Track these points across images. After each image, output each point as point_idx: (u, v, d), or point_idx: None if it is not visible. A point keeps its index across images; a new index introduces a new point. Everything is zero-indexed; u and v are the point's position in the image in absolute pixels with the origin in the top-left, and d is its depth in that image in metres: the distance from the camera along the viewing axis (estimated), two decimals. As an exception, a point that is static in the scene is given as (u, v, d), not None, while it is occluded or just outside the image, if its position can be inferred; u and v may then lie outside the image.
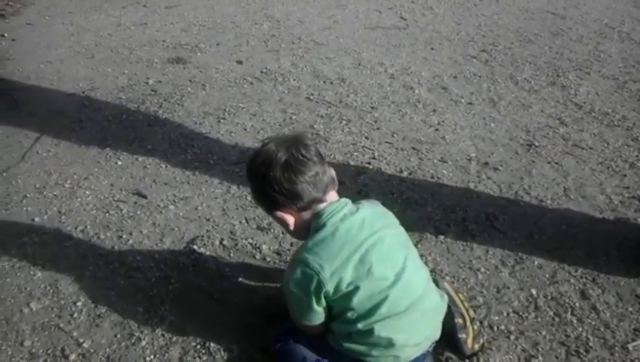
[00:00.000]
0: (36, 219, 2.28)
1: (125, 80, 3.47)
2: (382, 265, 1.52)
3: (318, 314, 1.55)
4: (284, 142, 1.54)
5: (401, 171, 2.61)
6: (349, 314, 1.52)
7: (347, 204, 1.59)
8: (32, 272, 2.02)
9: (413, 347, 1.58)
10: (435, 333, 1.65)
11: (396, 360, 1.57)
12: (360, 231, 1.53)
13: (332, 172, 1.60)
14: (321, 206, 1.56)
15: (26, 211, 2.33)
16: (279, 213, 1.57)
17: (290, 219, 1.57)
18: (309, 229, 1.57)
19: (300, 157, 1.51)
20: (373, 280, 1.50)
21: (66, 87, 3.37)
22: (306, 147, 1.53)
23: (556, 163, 2.73)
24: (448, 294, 1.78)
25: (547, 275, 2.06)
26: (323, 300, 1.51)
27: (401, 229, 1.67)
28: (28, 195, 2.43)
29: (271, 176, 1.50)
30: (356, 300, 1.50)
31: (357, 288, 1.49)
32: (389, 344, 1.53)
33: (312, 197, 1.53)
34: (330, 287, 1.48)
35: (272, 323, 1.78)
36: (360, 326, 1.52)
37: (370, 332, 1.52)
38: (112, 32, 4.16)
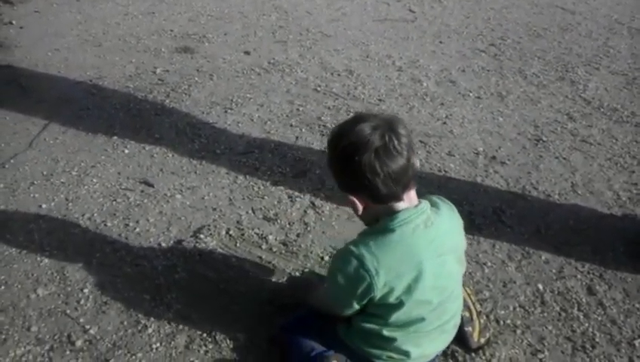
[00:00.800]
0: (43, 206, 2.29)
1: (133, 69, 3.46)
2: (432, 291, 1.48)
3: (352, 310, 1.51)
4: (378, 127, 1.38)
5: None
6: (380, 321, 1.50)
7: (424, 213, 1.47)
8: (39, 259, 2.03)
9: (424, 358, 1.59)
10: (447, 343, 1.65)
11: None
12: (425, 250, 1.45)
13: (417, 165, 1.45)
14: (398, 205, 1.44)
15: (34, 198, 2.33)
16: (351, 197, 1.47)
17: (360, 205, 1.47)
18: (377, 220, 1.48)
19: (392, 148, 1.37)
20: (418, 302, 1.46)
21: (73, 75, 3.36)
22: (398, 137, 1.38)
23: (564, 158, 2.72)
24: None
25: (554, 270, 2.06)
26: (364, 301, 1.46)
27: (463, 247, 1.61)
28: (35, 182, 2.43)
29: (356, 161, 1.37)
30: (395, 314, 1.47)
31: (401, 304, 1.45)
32: (405, 355, 1.54)
33: (390, 193, 1.41)
34: (378, 295, 1.43)
35: (279, 313, 1.78)
36: (385, 332, 1.50)
37: (391, 341, 1.51)
38: (120, 21, 4.15)
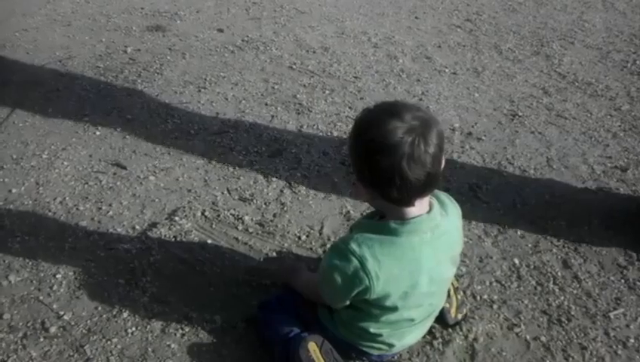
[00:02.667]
0: (13, 191, 2.23)
1: (103, 48, 3.39)
2: (425, 296, 1.47)
3: (342, 304, 1.49)
4: (412, 129, 1.26)
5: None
6: (369, 318, 1.49)
7: (432, 220, 1.40)
8: (9, 245, 1.98)
9: (404, 345, 1.61)
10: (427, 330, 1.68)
11: (385, 352, 1.58)
12: (428, 260, 1.41)
13: (439, 176, 1.34)
14: (409, 211, 1.37)
15: (3, 182, 2.28)
16: (361, 187, 1.38)
17: (368, 197, 1.40)
18: (383, 215, 1.44)
19: (416, 157, 1.26)
20: (410, 306, 1.46)
21: (42, 56, 3.28)
22: (428, 146, 1.27)
23: (539, 133, 2.72)
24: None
25: (530, 245, 2.07)
26: (356, 299, 1.44)
27: (460, 249, 1.56)
28: (5, 166, 2.38)
29: (376, 159, 1.28)
30: (386, 315, 1.47)
31: (395, 308, 1.44)
32: (388, 346, 1.56)
33: (402, 199, 1.34)
34: (373, 297, 1.40)
35: (255, 294, 1.77)
36: (372, 329, 1.51)
37: (377, 336, 1.52)
38: (89, -1, 4.06)
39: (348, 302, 1.46)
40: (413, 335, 1.59)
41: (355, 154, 1.37)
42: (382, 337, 1.52)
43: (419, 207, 1.38)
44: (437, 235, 1.41)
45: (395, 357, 1.63)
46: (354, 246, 1.37)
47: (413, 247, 1.38)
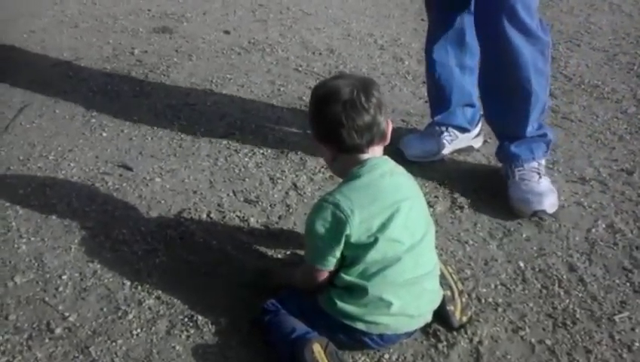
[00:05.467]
0: (20, 192, 2.25)
1: (110, 50, 3.40)
2: (403, 230, 1.57)
3: (334, 259, 1.57)
4: (351, 83, 1.56)
5: (391, 143, 2.58)
6: (357, 267, 1.55)
7: (388, 162, 1.64)
8: (16, 245, 2.00)
9: (406, 318, 1.60)
10: (429, 315, 1.67)
11: (386, 328, 1.58)
12: (394, 193, 1.59)
13: (386, 127, 1.61)
14: (363, 156, 1.60)
15: (10, 183, 2.30)
16: (321, 145, 1.64)
17: (329, 154, 1.64)
18: (346, 173, 1.62)
19: (359, 103, 1.53)
20: (390, 241, 1.54)
21: (49, 58, 3.30)
22: (367, 95, 1.55)
23: (545, 135, 2.71)
24: (437, 267, 1.78)
25: (535, 248, 2.06)
26: (342, 245, 1.54)
27: (425, 204, 1.73)
28: (11, 167, 2.39)
29: (325, 110, 1.56)
30: (370, 252, 1.53)
31: (375, 240, 1.53)
32: (385, 306, 1.55)
33: (353, 144, 1.56)
34: (354, 233, 1.52)
35: (261, 296, 1.76)
36: (361, 282, 1.55)
37: (369, 290, 1.54)
38: (96, 1, 4.07)
39: (337, 255, 1.55)
40: (409, 299, 1.58)
41: (310, 114, 1.64)
42: (375, 291, 1.54)
43: (371, 154, 1.61)
44: (396, 175, 1.64)
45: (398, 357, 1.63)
46: (326, 196, 1.58)
47: (375, 181, 1.58)
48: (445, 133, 2.47)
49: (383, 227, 1.54)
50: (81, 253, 1.98)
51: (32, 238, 2.03)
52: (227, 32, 3.68)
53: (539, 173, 2.24)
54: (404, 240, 1.57)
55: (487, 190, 2.34)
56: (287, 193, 2.29)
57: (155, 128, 2.68)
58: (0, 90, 2.95)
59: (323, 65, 3.29)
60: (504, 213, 2.21)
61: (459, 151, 2.54)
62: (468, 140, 2.50)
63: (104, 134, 2.63)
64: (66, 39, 3.52)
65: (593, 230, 2.15)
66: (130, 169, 2.39)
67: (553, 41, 3.68)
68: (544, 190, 2.18)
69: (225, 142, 2.59)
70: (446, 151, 2.49)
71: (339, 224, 1.52)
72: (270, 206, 2.22)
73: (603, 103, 3.02)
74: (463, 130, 2.46)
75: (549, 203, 2.16)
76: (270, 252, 2.00)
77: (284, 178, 2.37)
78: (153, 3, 4.07)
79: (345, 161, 1.62)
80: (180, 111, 2.83)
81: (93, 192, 2.26)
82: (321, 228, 1.55)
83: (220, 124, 2.72)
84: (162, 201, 2.22)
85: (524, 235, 2.11)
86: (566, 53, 3.55)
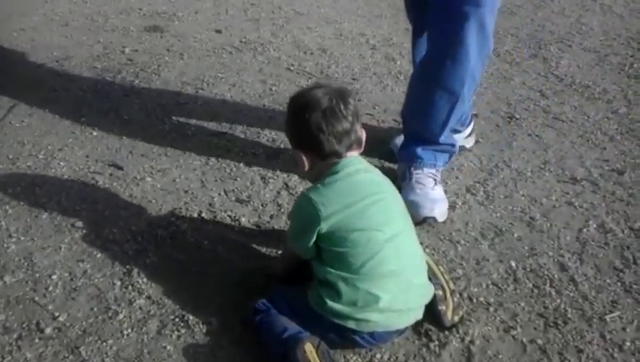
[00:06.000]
0: (9, 191, 2.23)
1: (100, 49, 3.39)
2: (381, 219, 1.62)
3: (308, 247, 1.64)
4: (329, 92, 1.64)
5: (382, 143, 2.58)
6: (341, 260, 1.58)
7: (362, 161, 1.71)
8: (5, 245, 1.98)
9: (395, 313, 1.60)
10: (419, 311, 1.67)
11: (376, 325, 1.58)
12: (368, 187, 1.66)
13: (361, 134, 1.69)
14: (339, 160, 1.67)
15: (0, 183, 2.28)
16: (299, 153, 1.69)
17: (307, 161, 1.69)
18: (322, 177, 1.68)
19: (337, 111, 1.61)
20: (370, 229, 1.59)
21: (39, 56, 3.28)
22: (345, 103, 1.63)
23: (537, 135, 2.73)
24: (428, 266, 1.78)
25: (526, 247, 2.07)
26: (314, 236, 1.60)
27: (404, 206, 1.76)
28: (0, 166, 2.37)
29: (305, 118, 1.62)
30: (350, 244, 1.57)
31: (354, 230, 1.58)
32: (374, 301, 1.55)
33: (332, 150, 1.64)
34: (324, 225, 1.58)
35: (252, 295, 1.76)
36: (346, 274, 1.57)
37: (355, 283, 1.56)
38: None
39: (310, 243, 1.62)
40: (397, 292, 1.59)
41: (290, 123, 1.72)
42: (361, 284, 1.56)
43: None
44: (370, 172, 1.71)
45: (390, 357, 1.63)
46: (304, 192, 1.69)
47: (350, 176, 1.64)
48: None
49: (361, 213, 1.60)
50: (71, 252, 1.96)
51: (22, 238, 2.01)
52: (219, 31, 3.67)
53: (435, 180, 2.23)
54: (383, 229, 1.61)
55: (478, 190, 2.34)
56: (278, 193, 2.28)
57: (146, 127, 2.67)
58: (-11, 88, 2.92)
59: (315, 65, 3.29)
60: (496, 213, 2.22)
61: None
62: (459, 140, 2.50)
63: (94, 133, 2.61)
64: (57, 38, 3.50)
65: (584, 230, 2.16)
66: (120, 168, 2.38)
67: (545, 41, 3.72)
68: (437, 197, 2.17)
69: (216, 141, 2.58)
70: None
71: (310, 215, 1.59)
72: (262, 205, 2.21)
73: (594, 104, 3.03)
74: (454, 130, 2.46)
75: (440, 211, 2.14)
76: (262, 251, 1.99)
77: (275, 177, 2.36)
78: (144, 2, 4.05)
79: (322, 167, 1.68)
80: (170, 110, 2.81)
81: (84, 191, 2.25)
82: (295, 219, 1.72)
83: (211, 124, 2.71)
84: (153, 201, 2.21)
85: (515, 235, 2.12)
86: (557, 54, 3.57)
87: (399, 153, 2.37)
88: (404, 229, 1.68)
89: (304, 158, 1.69)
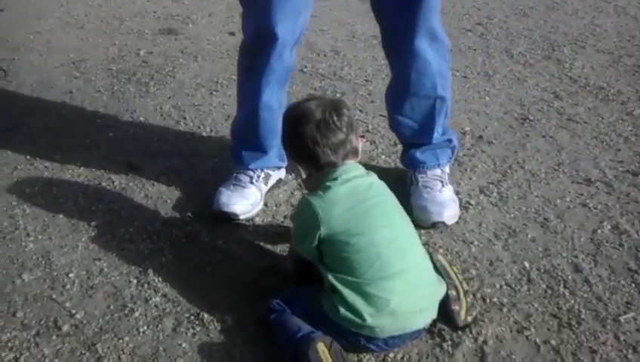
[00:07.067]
0: (27, 191, 2.26)
1: (116, 51, 3.42)
2: (382, 219, 1.63)
3: (310, 248, 1.65)
4: (323, 105, 1.66)
5: (395, 144, 2.59)
6: (346, 262, 1.59)
7: (359, 167, 1.72)
8: (23, 244, 2.01)
9: (407, 315, 1.59)
10: (432, 311, 1.67)
11: (390, 330, 1.58)
12: (366, 191, 1.66)
13: (357, 144, 1.70)
14: (336, 168, 1.68)
15: (17, 183, 2.31)
16: (296, 164, 1.72)
17: (304, 172, 1.72)
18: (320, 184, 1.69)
19: (331, 122, 1.63)
20: (371, 232, 1.60)
21: (55, 58, 3.32)
22: (339, 115, 1.64)
23: (550, 137, 2.72)
24: (442, 266, 1.79)
25: (540, 248, 2.06)
26: (316, 240, 1.62)
27: (403, 211, 1.77)
28: (18, 167, 2.41)
29: (299, 131, 1.63)
30: (354, 239, 1.58)
31: (355, 235, 1.59)
32: (385, 304, 1.55)
33: (328, 161, 1.65)
34: (324, 229, 1.59)
35: (266, 295, 1.77)
36: (355, 279, 1.57)
37: (363, 286, 1.56)
38: (102, 3, 4.10)
39: (311, 247, 1.63)
40: (406, 292, 1.59)
41: (286, 136, 1.73)
42: (369, 287, 1.56)
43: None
44: (369, 177, 1.72)
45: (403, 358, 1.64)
46: (305, 196, 1.70)
47: (345, 180, 1.65)
48: None
49: (361, 220, 1.61)
50: (88, 251, 1.99)
51: (40, 236, 2.04)
52: (232, 34, 3.70)
53: (442, 182, 2.22)
54: (385, 231, 1.62)
55: (492, 191, 2.34)
56: (292, 193, 2.29)
57: (161, 128, 2.70)
58: (6, 91, 2.97)
59: (328, 67, 3.30)
60: (510, 214, 2.22)
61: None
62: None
63: (110, 134, 2.64)
64: (72, 40, 3.54)
65: (599, 231, 2.15)
66: (136, 168, 2.40)
67: (558, 42, 3.71)
68: (445, 200, 2.16)
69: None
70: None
71: (310, 220, 1.61)
72: (275, 206, 2.22)
73: (608, 105, 3.02)
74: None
75: (449, 214, 2.13)
76: (276, 251, 2.00)
77: (289, 178, 2.37)
78: (159, 5, 4.09)
79: (319, 176, 1.69)
80: (185, 111, 2.84)
81: (100, 191, 2.27)
82: (298, 224, 1.74)
83: (225, 125, 2.73)
84: (168, 201, 2.23)
85: (529, 236, 2.12)
86: (571, 55, 3.56)
87: (401, 160, 2.36)
88: (405, 230, 1.69)
89: (301, 169, 1.72)
